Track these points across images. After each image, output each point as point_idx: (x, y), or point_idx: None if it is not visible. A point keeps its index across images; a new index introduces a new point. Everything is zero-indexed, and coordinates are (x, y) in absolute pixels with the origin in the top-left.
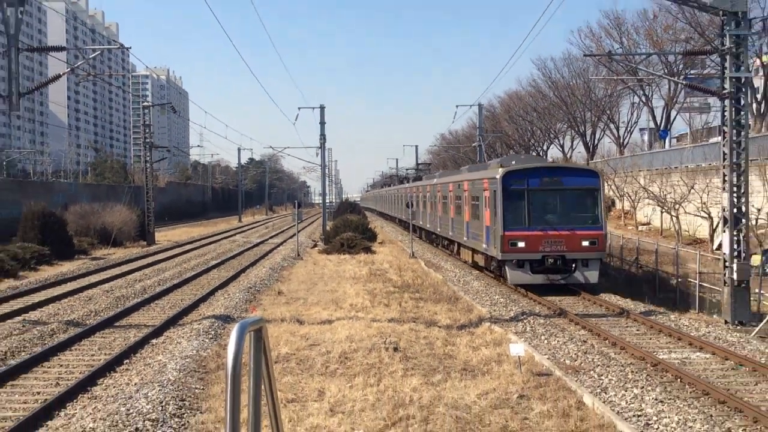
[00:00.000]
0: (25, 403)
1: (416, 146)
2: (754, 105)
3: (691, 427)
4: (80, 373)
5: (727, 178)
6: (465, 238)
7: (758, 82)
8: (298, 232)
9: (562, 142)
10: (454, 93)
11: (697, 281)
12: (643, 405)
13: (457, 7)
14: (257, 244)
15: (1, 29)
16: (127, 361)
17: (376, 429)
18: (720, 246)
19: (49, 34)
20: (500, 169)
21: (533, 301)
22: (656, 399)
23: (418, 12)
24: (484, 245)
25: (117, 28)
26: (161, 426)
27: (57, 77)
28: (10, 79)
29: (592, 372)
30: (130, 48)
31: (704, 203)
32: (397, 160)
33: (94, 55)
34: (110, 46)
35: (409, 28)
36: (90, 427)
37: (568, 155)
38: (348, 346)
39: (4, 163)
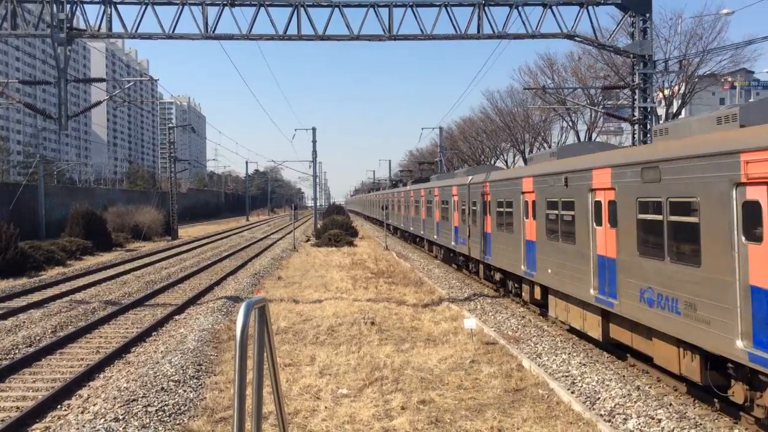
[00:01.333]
0: (71, 367)
1: (389, 160)
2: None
3: (608, 385)
4: (116, 342)
5: None
6: (592, 291)
7: (661, 111)
8: (294, 229)
9: (506, 158)
10: (420, 118)
11: None
12: (570, 368)
13: (424, 50)
14: (261, 239)
15: (52, 64)
16: (155, 333)
17: (356, 387)
18: None
19: (92, 67)
20: None
21: (483, 284)
22: (580, 363)
23: (394, 55)
24: (741, 343)
25: (147, 63)
26: (182, 386)
27: (98, 103)
28: (60, 104)
29: (529, 341)
30: (158, 80)
31: None
32: (374, 171)
33: (128, 85)
34: (142, 78)
35: (387, 65)
36: (124, 387)
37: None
38: (334, 320)
39: (55, 172)
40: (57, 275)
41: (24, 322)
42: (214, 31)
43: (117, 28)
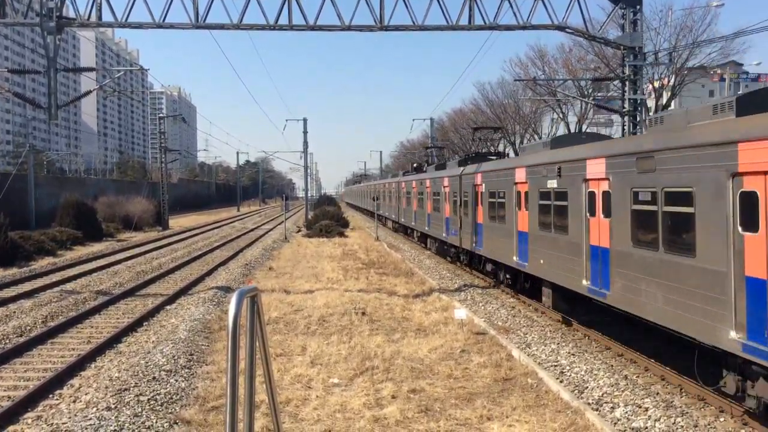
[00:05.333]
0: (63, 357)
1: (380, 152)
2: (647, 121)
3: (596, 374)
4: (108, 333)
5: None
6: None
7: (651, 103)
8: (286, 220)
9: (496, 149)
10: (411, 109)
11: None
12: (559, 357)
13: (415, 41)
14: (252, 230)
15: (42, 53)
16: (146, 323)
17: (347, 377)
18: None
19: (82, 57)
20: None
21: (473, 275)
22: (569, 353)
23: (385, 47)
24: None
25: (138, 53)
26: (174, 375)
27: (88, 93)
28: (50, 94)
29: (519, 331)
30: (149, 69)
31: None
32: (365, 162)
33: (118, 75)
34: (132, 67)
35: (378, 57)
36: (116, 377)
37: None
38: (325, 311)
39: (45, 162)
40: (47, 265)
41: (14, 312)
42: (204, 21)
43: (107, 17)
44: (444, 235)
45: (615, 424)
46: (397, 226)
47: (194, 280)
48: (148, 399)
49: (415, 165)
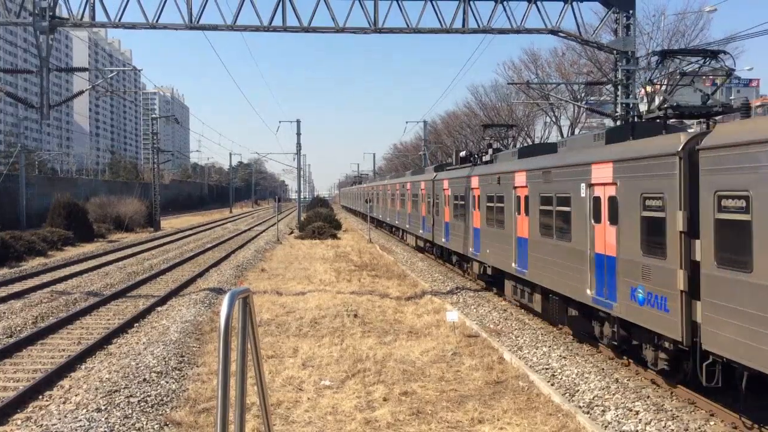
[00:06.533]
0: (52, 358)
1: (374, 154)
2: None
3: (587, 377)
4: (98, 334)
5: None
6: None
7: (643, 107)
8: (278, 221)
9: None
10: (405, 111)
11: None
12: (550, 360)
13: (409, 43)
14: (244, 231)
15: (34, 53)
16: (137, 324)
17: (339, 379)
18: None
19: (74, 57)
20: None
21: (465, 278)
22: (560, 356)
23: (379, 49)
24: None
25: (131, 53)
26: (164, 377)
27: (81, 93)
28: (42, 93)
29: (510, 334)
30: (142, 70)
31: None
32: (358, 165)
33: (111, 75)
34: (125, 68)
35: (372, 59)
36: (106, 378)
37: None
38: (317, 313)
39: (37, 162)
40: (38, 266)
41: (4, 312)
42: (198, 21)
43: (100, 17)
44: (592, 293)
45: (606, 427)
46: (426, 245)
47: (186, 281)
48: (139, 400)
49: (462, 155)
